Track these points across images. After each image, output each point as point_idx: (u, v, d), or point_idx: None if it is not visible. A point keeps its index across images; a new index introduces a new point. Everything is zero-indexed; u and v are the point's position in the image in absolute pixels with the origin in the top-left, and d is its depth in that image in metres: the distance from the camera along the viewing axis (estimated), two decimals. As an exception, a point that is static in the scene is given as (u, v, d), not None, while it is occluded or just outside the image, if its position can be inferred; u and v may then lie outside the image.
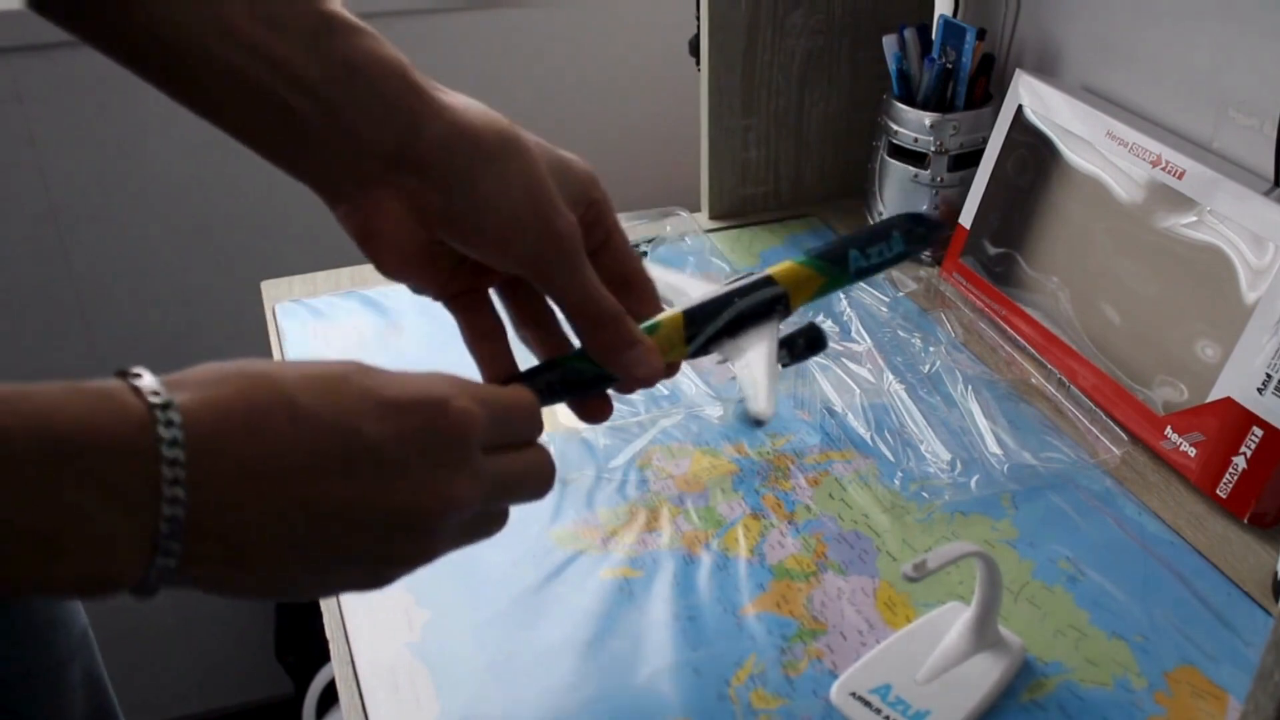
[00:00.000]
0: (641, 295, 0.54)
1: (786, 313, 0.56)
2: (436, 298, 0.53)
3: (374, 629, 0.66)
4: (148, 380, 0.37)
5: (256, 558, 0.39)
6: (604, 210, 0.53)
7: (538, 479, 0.48)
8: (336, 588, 0.44)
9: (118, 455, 0.35)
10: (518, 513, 0.74)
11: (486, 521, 0.47)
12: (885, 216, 1.04)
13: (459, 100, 0.49)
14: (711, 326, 0.54)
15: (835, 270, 0.57)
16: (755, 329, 0.55)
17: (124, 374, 0.37)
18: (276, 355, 0.92)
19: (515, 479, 0.47)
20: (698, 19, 1.05)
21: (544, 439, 0.82)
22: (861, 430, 0.81)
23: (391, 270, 0.50)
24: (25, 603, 0.68)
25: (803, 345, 0.58)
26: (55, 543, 0.34)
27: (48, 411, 0.34)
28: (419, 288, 0.52)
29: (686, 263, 1.02)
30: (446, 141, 0.47)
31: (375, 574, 0.43)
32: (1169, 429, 0.77)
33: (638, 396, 0.84)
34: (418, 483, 0.41)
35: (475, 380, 0.47)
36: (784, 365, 0.58)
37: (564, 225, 0.49)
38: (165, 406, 0.36)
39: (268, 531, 0.38)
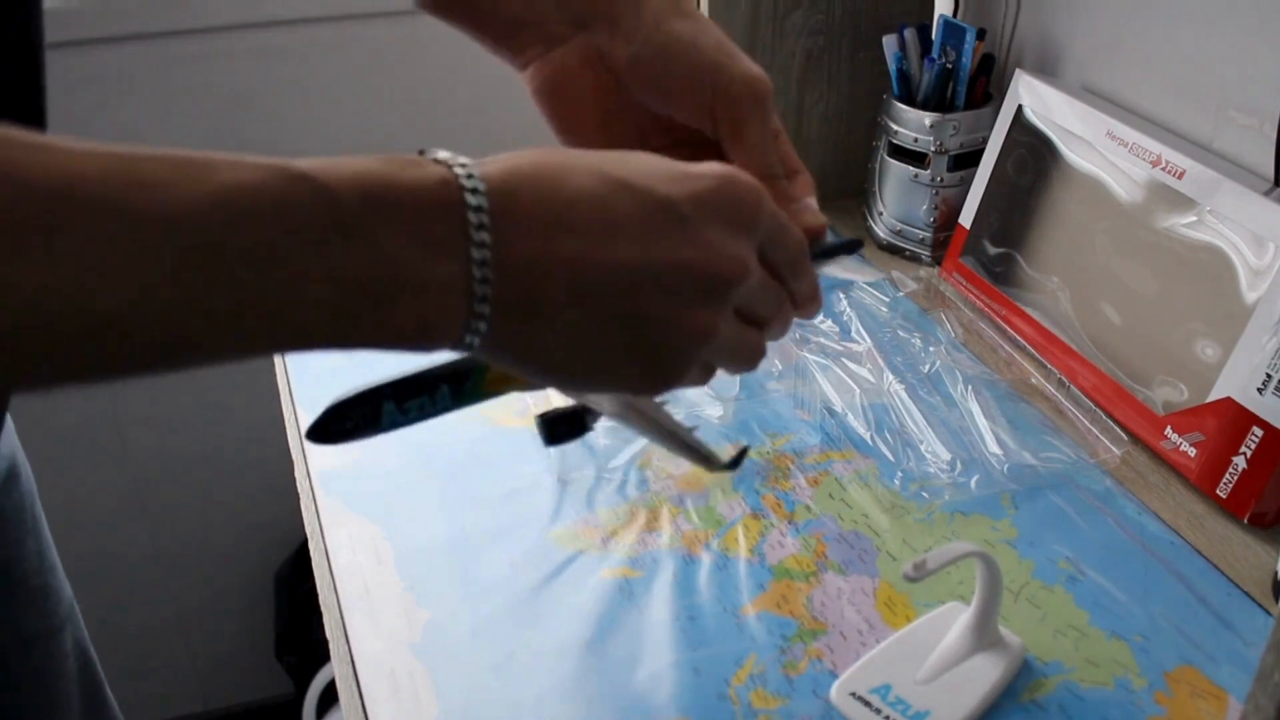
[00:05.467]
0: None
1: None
2: None
3: (374, 629, 0.66)
4: (443, 153, 0.39)
5: (554, 312, 0.40)
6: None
7: (787, 315, 0.48)
8: (620, 365, 0.43)
9: (429, 206, 0.37)
10: (517, 513, 0.74)
11: (746, 340, 0.46)
12: (885, 217, 1.05)
13: None
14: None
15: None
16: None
17: (420, 152, 0.40)
18: (277, 357, 0.92)
19: (775, 295, 0.46)
20: (698, 19, 1.05)
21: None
22: (861, 430, 0.81)
23: (567, 128, 0.55)
24: (20, 569, 0.69)
25: (564, 430, 0.55)
26: (385, 292, 0.37)
27: (363, 174, 0.36)
28: None
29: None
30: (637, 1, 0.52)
31: (657, 355, 0.43)
32: (1169, 429, 0.77)
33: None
34: (712, 242, 0.42)
35: None
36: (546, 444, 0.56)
37: (757, 72, 0.51)
38: (463, 164, 0.39)
39: (565, 281, 0.39)
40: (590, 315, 0.40)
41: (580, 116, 0.55)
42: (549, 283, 0.39)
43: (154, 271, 0.32)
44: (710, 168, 0.43)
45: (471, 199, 0.38)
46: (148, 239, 0.32)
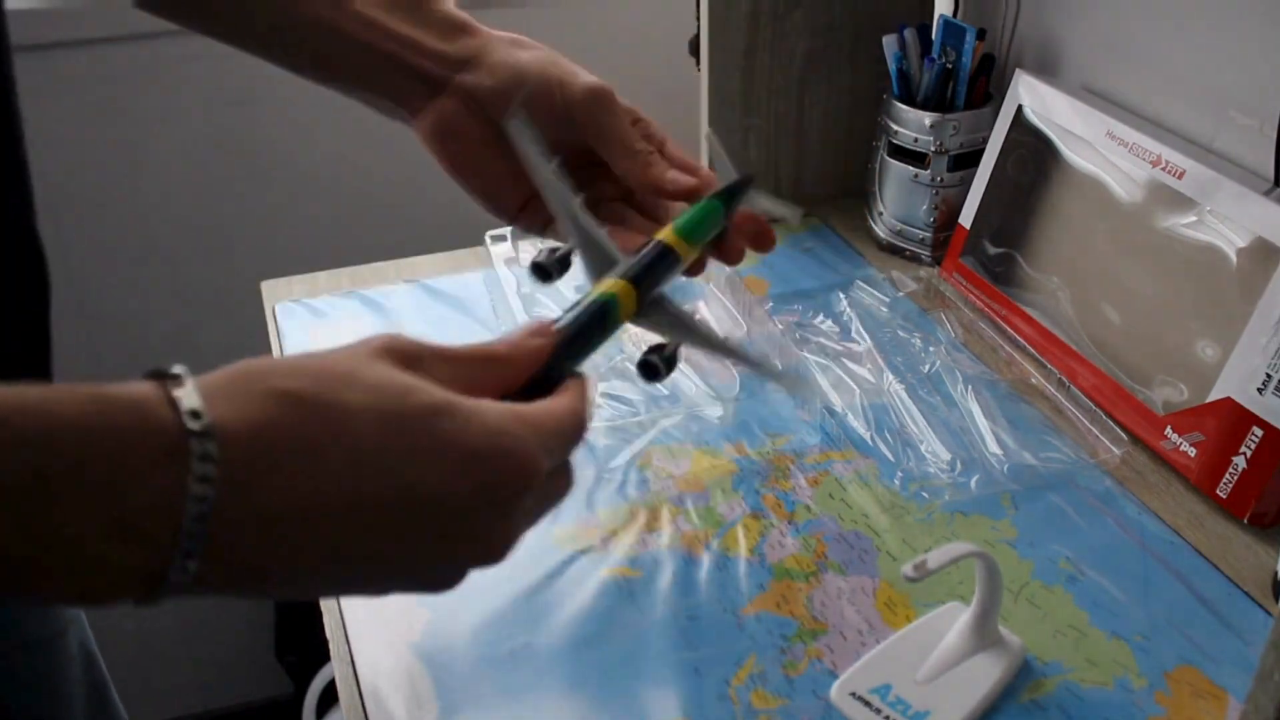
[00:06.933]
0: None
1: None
2: (506, 216, 0.62)
3: (374, 629, 0.66)
4: (188, 395, 0.33)
5: (274, 584, 0.37)
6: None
7: (559, 500, 0.45)
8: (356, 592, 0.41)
9: (135, 490, 0.32)
10: (518, 513, 0.74)
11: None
12: (885, 217, 1.05)
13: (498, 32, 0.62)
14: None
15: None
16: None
17: (161, 375, 0.34)
18: (276, 355, 0.92)
19: (548, 503, 0.44)
20: (698, 19, 1.05)
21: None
22: (861, 430, 0.81)
23: (457, 166, 0.61)
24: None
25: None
26: (42, 567, 0.31)
27: (50, 427, 0.31)
28: (489, 206, 0.62)
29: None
30: (487, 44, 0.60)
31: (386, 588, 0.41)
32: (1169, 429, 0.77)
33: (638, 396, 0.84)
34: (473, 533, 0.39)
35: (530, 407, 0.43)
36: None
37: (595, 80, 0.59)
38: (203, 435, 0.33)
39: (292, 570, 0.36)
40: (314, 586, 0.38)
41: (467, 154, 0.60)
42: (271, 568, 0.36)
43: None
44: (496, 452, 0.39)
45: (196, 487, 0.32)
46: None
